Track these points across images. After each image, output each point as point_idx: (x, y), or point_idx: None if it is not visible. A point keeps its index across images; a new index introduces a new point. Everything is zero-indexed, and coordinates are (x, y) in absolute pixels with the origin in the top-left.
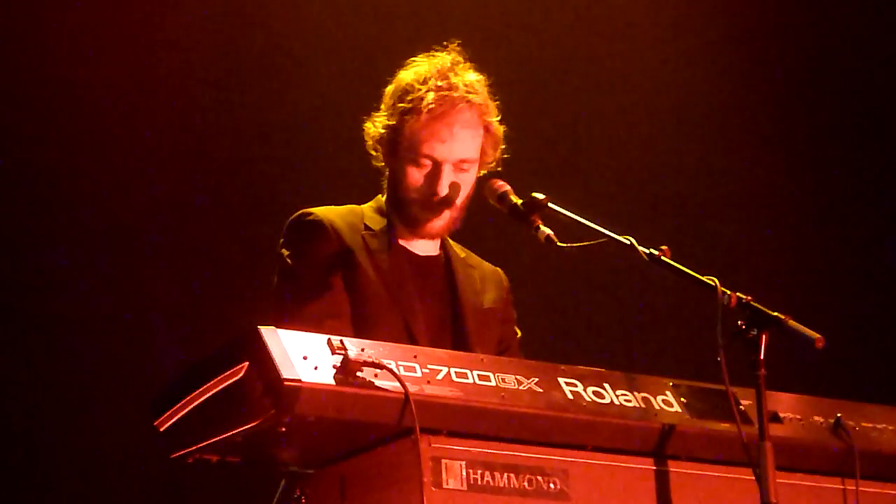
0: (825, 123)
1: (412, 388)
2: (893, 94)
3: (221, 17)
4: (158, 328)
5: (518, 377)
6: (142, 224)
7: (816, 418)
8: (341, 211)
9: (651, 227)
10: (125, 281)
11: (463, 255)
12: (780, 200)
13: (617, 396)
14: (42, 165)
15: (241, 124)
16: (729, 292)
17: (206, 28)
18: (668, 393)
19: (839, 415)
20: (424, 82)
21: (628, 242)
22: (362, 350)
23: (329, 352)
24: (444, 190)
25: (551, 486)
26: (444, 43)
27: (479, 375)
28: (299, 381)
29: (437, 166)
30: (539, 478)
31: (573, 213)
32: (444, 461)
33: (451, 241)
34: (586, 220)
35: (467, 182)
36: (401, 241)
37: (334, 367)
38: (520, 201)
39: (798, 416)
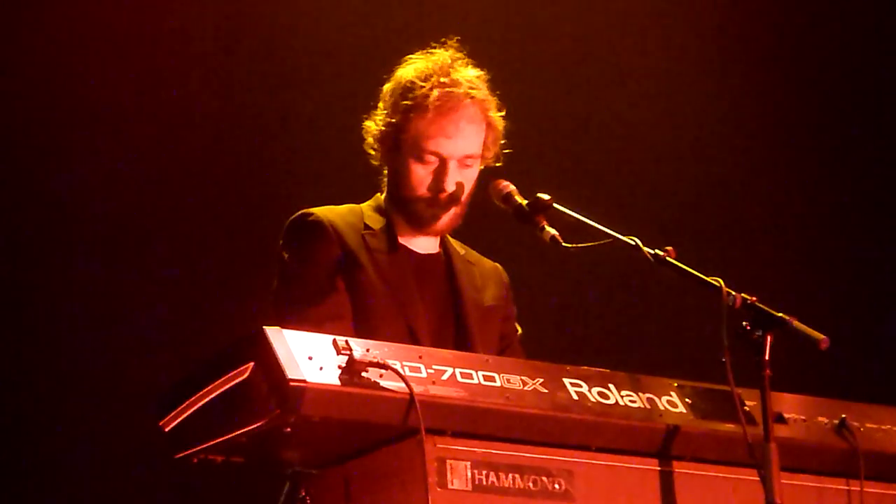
0: (831, 124)
1: (417, 389)
2: None
3: (221, 17)
4: (163, 328)
5: (523, 378)
6: (144, 224)
7: (821, 419)
8: (341, 211)
9: (656, 227)
10: (129, 281)
11: (463, 251)
12: (786, 201)
13: (622, 397)
14: (44, 166)
15: (242, 124)
16: (734, 293)
17: (205, 28)
18: (672, 394)
19: (844, 416)
20: (427, 79)
21: (633, 243)
22: (367, 350)
23: (334, 352)
24: (450, 186)
25: (556, 486)
26: (443, 40)
27: (484, 376)
28: (304, 381)
29: (442, 163)
30: (544, 478)
31: (578, 213)
32: (448, 462)
33: (450, 238)
34: (591, 220)
35: (471, 178)
36: (401, 240)
37: (339, 367)
38: (525, 202)
39: (803, 417)
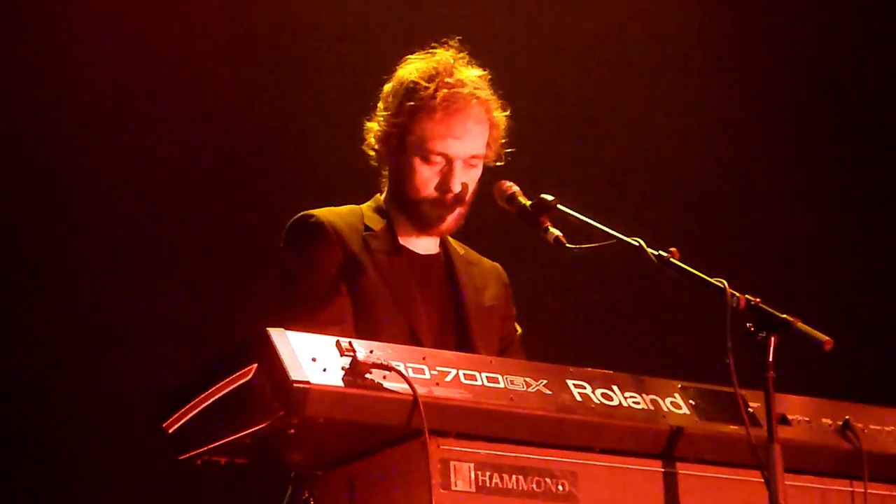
0: (837, 125)
1: (421, 390)
2: None
3: (221, 18)
4: (166, 329)
5: (527, 379)
6: (146, 225)
7: (825, 420)
8: (341, 212)
9: (659, 228)
10: (132, 283)
11: (462, 251)
12: (791, 202)
13: (625, 398)
14: (45, 166)
15: (243, 125)
16: (738, 294)
17: (206, 30)
18: (676, 395)
19: (847, 417)
20: (431, 79)
21: (637, 244)
22: (371, 352)
23: (338, 353)
24: (457, 187)
25: (560, 487)
26: (443, 40)
27: (487, 377)
28: (308, 382)
29: (449, 163)
30: (547, 480)
31: (582, 214)
32: (452, 463)
33: (450, 239)
34: (595, 221)
35: (475, 178)
36: (402, 241)
37: (343, 368)
38: (528, 203)
39: (806, 419)
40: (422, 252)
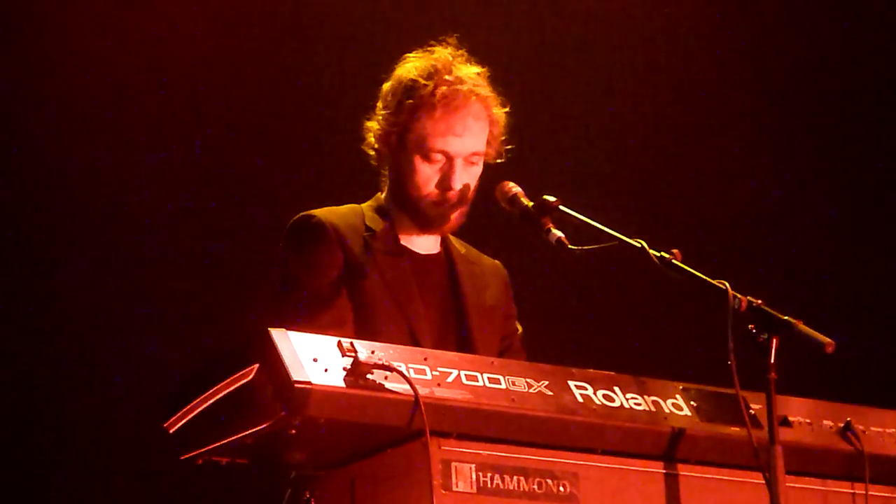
0: (839, 125)
1: (422, 391)
2: None
3: (221, 18)
4: (167, 330)
5: (528, 380)
6: (147, 226)
7: (826, 422)
8: (342, 212)
9: (662, 230)
10: (133, 283)
11: (463, 250)
12: (792, 203)
13: (627, 400)
14: (46, 167)
15: (244, 125)
16: (740, 296)
17: (206, 30)
18: (678, 396)
19: (849, 419)
20: (430, 77)
21: (639, 245)
22: (372, 352)
23: (339, 354)
24: (458, 184)
25: (561, 489)
26: (441, 38)
27: (489, 378)
28: (309, 383)
29: (449, 161)
30: (549, 481)
31: (584, 215)
32: (453, 464)
33: (451, 237)
34: (597, 222)
35: (475, 176)
36: (402, 241)
37: (344, 369)
38: (531, 204)
39: (808, 420)
40: (423, 252)
